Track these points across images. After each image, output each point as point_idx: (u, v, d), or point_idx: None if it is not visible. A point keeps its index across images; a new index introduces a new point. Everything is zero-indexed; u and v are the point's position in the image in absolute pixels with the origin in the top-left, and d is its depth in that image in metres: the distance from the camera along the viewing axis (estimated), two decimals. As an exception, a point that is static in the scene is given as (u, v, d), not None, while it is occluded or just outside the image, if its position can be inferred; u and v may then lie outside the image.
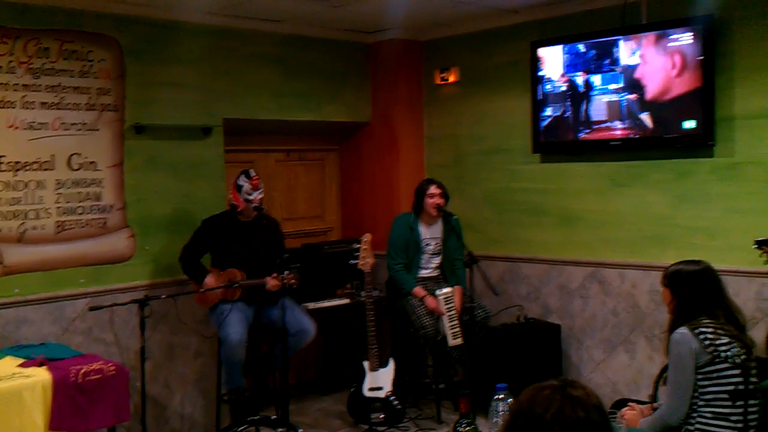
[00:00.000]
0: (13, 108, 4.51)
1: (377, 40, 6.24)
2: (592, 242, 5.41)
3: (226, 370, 4.83)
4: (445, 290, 5.23)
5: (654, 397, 3.55)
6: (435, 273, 5.48)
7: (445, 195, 5.38)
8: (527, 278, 5.78)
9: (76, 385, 3.92)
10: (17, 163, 4.53)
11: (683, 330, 3.16)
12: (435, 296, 5.22)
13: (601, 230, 5.36)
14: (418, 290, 5.30)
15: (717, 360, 3.10)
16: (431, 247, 5.44)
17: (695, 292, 3.24)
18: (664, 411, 3.21)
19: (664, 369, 3.34)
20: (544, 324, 5.56)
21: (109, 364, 4.12)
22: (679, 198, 4.98)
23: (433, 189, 5.35)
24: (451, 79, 6.14)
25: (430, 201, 5.33)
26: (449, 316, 5.17)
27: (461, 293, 5.32)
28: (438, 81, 6.22)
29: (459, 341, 5.16)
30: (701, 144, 4.79)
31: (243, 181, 4.84)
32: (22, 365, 3.99)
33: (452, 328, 5.15)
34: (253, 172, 4.89)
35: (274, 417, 4.75)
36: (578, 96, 5.28)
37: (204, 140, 5.35)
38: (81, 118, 4.78)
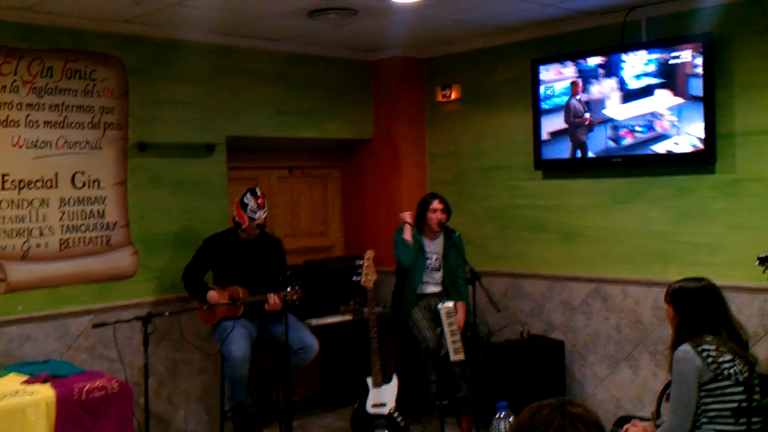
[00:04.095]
0: (18, 127, 4.55)
1: (379, 57, 6.28)
2: (594, 258, 5.42)
3: (229, 387, 4.83)
4: (448, 304, 5.22)
5: (657, 414, 3.54)
6: (437, 289, 5.47)
7: (447, 210, 5.40)
8: (530, 294, 5.78)
9: (79, 402, 3.93)
10: (21, 181, 4.56)
11: (686, 347, 3.17)
12: (437, 309, 5.20)
13: (603, 246, 5.37)
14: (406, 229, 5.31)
15: (720, 377, 3.10)
16: (432, 262, 5.44)
17: (698, 309, 3.25)
18: (667, 428, 3.21)
19: (667, 385, 3.34)
20: (547, 340, 5.56)
21: (113, 381, 4.13)
22: (680, 214, 4.99)
23: (435, 204, 5.36)
24: (453, 96, 6.17)
25: (432, 216, 5.34)
26: (451, 330, 5.16)
27: (464, 309, 5.32)
28: (440, 98, 6.26)
29: (461, 356, 5.15)
30: (702, 160, 4.80)
31: (248, 200, 4.86)
32: (26, 382, 4.00)
33: (454, 343, 5.15)
34: (258, 191, 4.91)
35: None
36: (579, 113, 5.30)
37: (207, 158, 5.38)
38: (85, 136, 4.81)
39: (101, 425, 4.00)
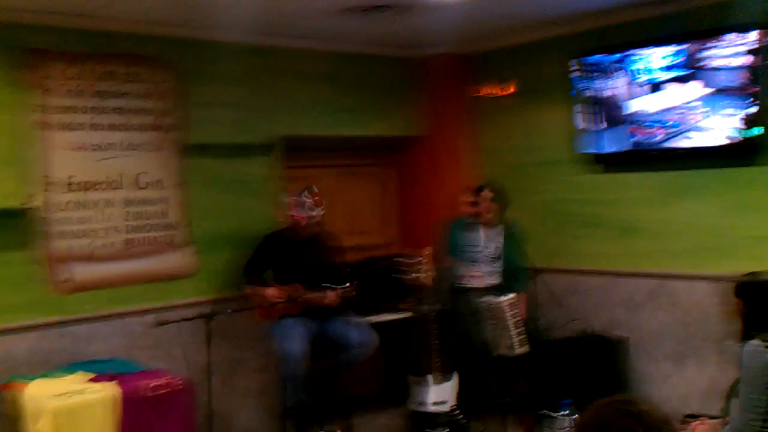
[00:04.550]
0: (82, 130, 4.66)
1: (427, 54, 6.24)
2: (651, 253, 5.31)
3: (289, 384, 4.86)
4: (510, 295, 5.13)
5: (726, 411, 3.44)
6: (495, 281, 5.39)
7: (498, 200, 5.32)
8: (590, 291, 5.68)
9: (144, 399, 4.01)
10: (87, 182, 4.67)
11: (756, 342, 3.07)
12: (495, 304, 5.10)
13: (661, 241, 5.25)
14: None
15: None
16: (486, 253, 5.35)
17: (761, 305, 3.15)
18: (735, 426, 3.11)
19: (736, 382, 3.24)
20: (608, 338, 5.45)
21: (176, 379, 4.20)
22: (736, 208, 4.86)
23: (485, 193, 5.30)
24: (503, 91, 6.10)
25: (482, 205, 5.29)
26: (515, 322, 5.06)
27: (526, 301, 5.23)
28: (489, 93, 6.19)
29: (525, 349, 5.06)
30: (759, 154, 4.67)
31: (305, 198, 4.89)
32: (92, 380, 4.09)
33: (519, 335, 5.04)
34: (315, 189, 4.94)
35: (338, 430, 4.76)
36: (629, 106, 5.19)
37: (261, 158, 5.43)
38: (145, 138, 4.90)
39: (165, 422, 4.07)
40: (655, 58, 5.05)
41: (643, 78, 5.12)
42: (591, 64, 5.38)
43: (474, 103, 6.36)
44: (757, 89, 4.59)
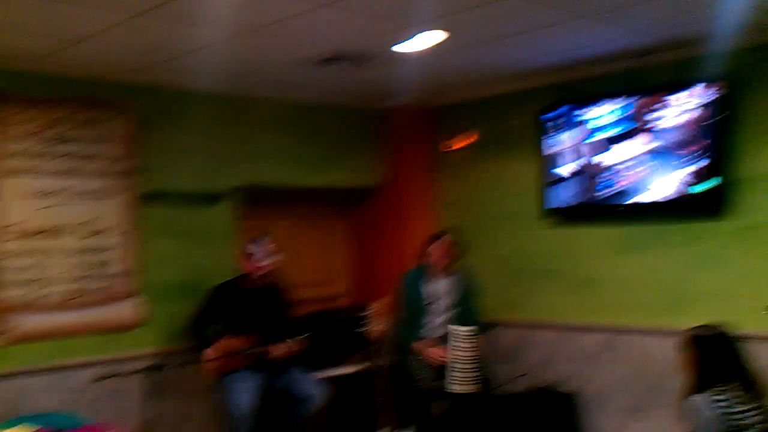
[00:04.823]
0: (27, 176, 4.58)
1: (388, 106, 6.32)
2: (605, 307, 5.35)
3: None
4: (472, 327, 5.05)
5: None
6: (443, 332, 5.34)
7: (455, 246, 5.33)
8: (540, 344, 5.70)
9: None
10: (35, 230, 4.57)
11: (697, 398, 3.11)
12: (452, 333, 5.04)
13: (615, 295, 5.30)
14: (418, 345, 5.18)
15: (733, 429, 3.03)
16: (444, 302, 5.33)
17: (712, 359, 3.20)
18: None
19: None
20: (557, 392, 5.46)
21: (119, 434, 4.09)
22: (692, 263, 4.94)
23: (445, 238, 5.30)
24: (464, 143, 6.18)
25: (436, 252, 5.29)
26: (473, 356, 4.98)
27: (481, 343, 5.14)
28: (450, 145, 6.27)
29: (478, 387, 4.99)
30: (714, 207, 4.77)
31: (255, 248, 4.86)
32: (31, 435, 3.97)
33: (474, 371, 4.96)
34: (266, 239, 4.90)
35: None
36: (587, 161, 5.29)
37: (216, 207, 5.39)
38: (94, 185, 4.84)
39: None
40: (607, 114, 5.17)
41: (597, 133, 5.23)
42: (549, 119, 5.48)
43: (435, 155, 6.42)
44: (707, 143, 4.71)
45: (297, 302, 5.23)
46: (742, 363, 3.22)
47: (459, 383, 4.99)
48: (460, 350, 5.01)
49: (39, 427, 4.06)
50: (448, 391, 5.02)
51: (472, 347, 5.02)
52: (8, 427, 4.08)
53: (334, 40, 4.28)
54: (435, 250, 5.28)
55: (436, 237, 5.38)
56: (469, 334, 5.04)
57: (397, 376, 5.46)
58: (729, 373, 3.16)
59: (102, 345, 4.83)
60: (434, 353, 5.10)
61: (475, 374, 5.00)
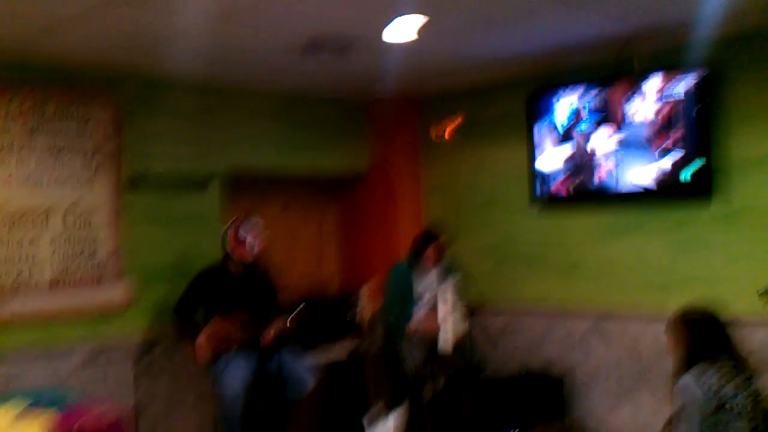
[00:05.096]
0: (10, 164, 4.53)
1: (374, 94, 6.29)
2: (594, 292, 5.39)
3: (225, 420, 4.74)
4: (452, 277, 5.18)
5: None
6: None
7: (446, 245, 5.37)
8: (528, 330, 5.73)
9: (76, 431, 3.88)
10: (14, 214, 4.53)
11: (687, 379, 3.13)
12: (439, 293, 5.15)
13: (602, 280, 5.34)
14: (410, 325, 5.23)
15: (723, 409, 3.05)
16: (431, 293, 5.36)
17: (701, 338, 3.22)
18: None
19: (671, 419, 3.29)
20: (546, 376, 5.49)
21: (110, 411, 4.07)
22: (679, 247, 4.98)
23: (440, 241, 5.31)
24: (450, 131, 6.18)
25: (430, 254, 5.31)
26: (461, 305, 5.08)
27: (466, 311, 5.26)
28: (437, 133, 6.27)
29: (467, 326, 5.11)
30: (701, 192, 4.81)
31: (243, 231, 4.83)
32: (19, 415, 3.93)
33: (454, 325, 5.04)
34: (252, 220, 4.88)
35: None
36: (574, 147, 5.31)
37: (202, 192, 5.37)
38: (78, 170, 4.79)
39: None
40: (592, 101, 5.19)
41: (584, 120, 5.25)
42: (535, 107, 5.49)
43: (422, 142, 6.42)
44: (691, 129, 4.74)
45: (284, 286, 5.21)
46: (730, 341, 3.25)
47: (453, 335, 5.02)
48: (449, 303, 5.07)
49: (23, 407, 4.04)
50: (444, 352, 5.06)
51: (459, 296, 5.12)
52: (-4, 403, 4.07)
53: (313, 25, 4.23)
54: (429, 251, 5.28)
55: (429, 237, 5.36)
56: (454, 282, 5.13)
57: (387, 359, 5.47)
58: (718, 351, 3.18)
59: (91, 327, 4.80)
60: (426, 323, 5.14)
61: (465, 325, 5.07)
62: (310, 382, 4.87)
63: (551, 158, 5.44)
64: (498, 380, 5.37)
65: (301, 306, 4.60)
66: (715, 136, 4.75)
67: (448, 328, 5.08)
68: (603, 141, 5.17)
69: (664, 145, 4.89)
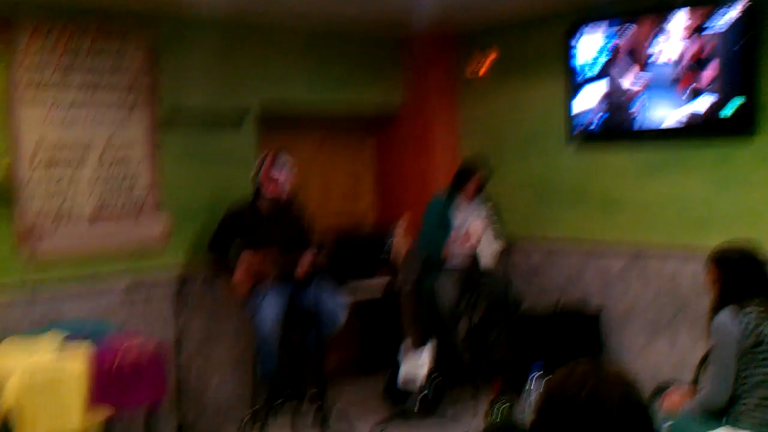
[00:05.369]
0: (46, 101, 4.56)
1: (409, 30, 6.17)
2: (632, 227, 5.32)
3: (261, 354, 4.83)
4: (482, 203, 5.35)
5: (696, 382, 3.47)
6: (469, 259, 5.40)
7: (485, 179, 5.39)
8: (565, 266, 5.70)
9: (116, 362, 3.97)
10: (52, 149, 4.58)
11: (725, 314, 3.10)
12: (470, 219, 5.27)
13: (642, 215, 5.26)
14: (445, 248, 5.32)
15: (761, 344, 3.02)
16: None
17: (740, 274, 3.17)
18: (706, 394, 3.14)
19: (707, 354, 3.27)
20: (583, 310, 5.48)
21: (149, 343, 4.16)
22: (719, 184, 4.87)
23: (478, 175, 5.35)
24: (487, 67, 6.06)
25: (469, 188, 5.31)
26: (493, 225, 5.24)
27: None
28: (473, 69, 6.15)
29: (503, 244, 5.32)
30: (742, 129, 4.67)
31: (277, 163, 4.83)
32: (64, 342, 4.06)
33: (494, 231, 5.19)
34: (283, 158, 4.87)
35: (313, 391, 4.73)
36: (614, 82, 5.18)
37: (237, 130, 5.37)
38: (113, 109, 4.82)
39: (137, 385, 4.03)
40: (633, 35, 5.03)
41: (624, 55, 5.11)
42: (574, 41, 5.36)
43: (457, 79, 6.31)
44: (735, 64, 4.59)
45: (317, 222, 5.22)
46: (767, 280, 3.19)
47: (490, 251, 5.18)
48: (482, 221, 5.25)
49: (67, 334, 4.16)
50: (487, 268, 5.22)
51: (490, 216, 5.29)
52: (38, 334, 4.19)
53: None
54: (468, 186, 5.30)
55: (469, 171, 5.36)
56: (488, 207, 5.31)
57: (420, 295, 5.51)
58: (755, 290, 3.13)
59: (130, 262, 4.89)
60: (463, 242, 5.24)
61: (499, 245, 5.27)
62: (343, 317, 4.92)
63: (588, 95, 5.32)
64: (533, 317, 5.37)
65: (324, 242, 4.63)
66: (762, 70, 4.58)
67: (484, 244, 5.11)
68: (643, 77, 5.03)
69: (707, 79, 4.74)
